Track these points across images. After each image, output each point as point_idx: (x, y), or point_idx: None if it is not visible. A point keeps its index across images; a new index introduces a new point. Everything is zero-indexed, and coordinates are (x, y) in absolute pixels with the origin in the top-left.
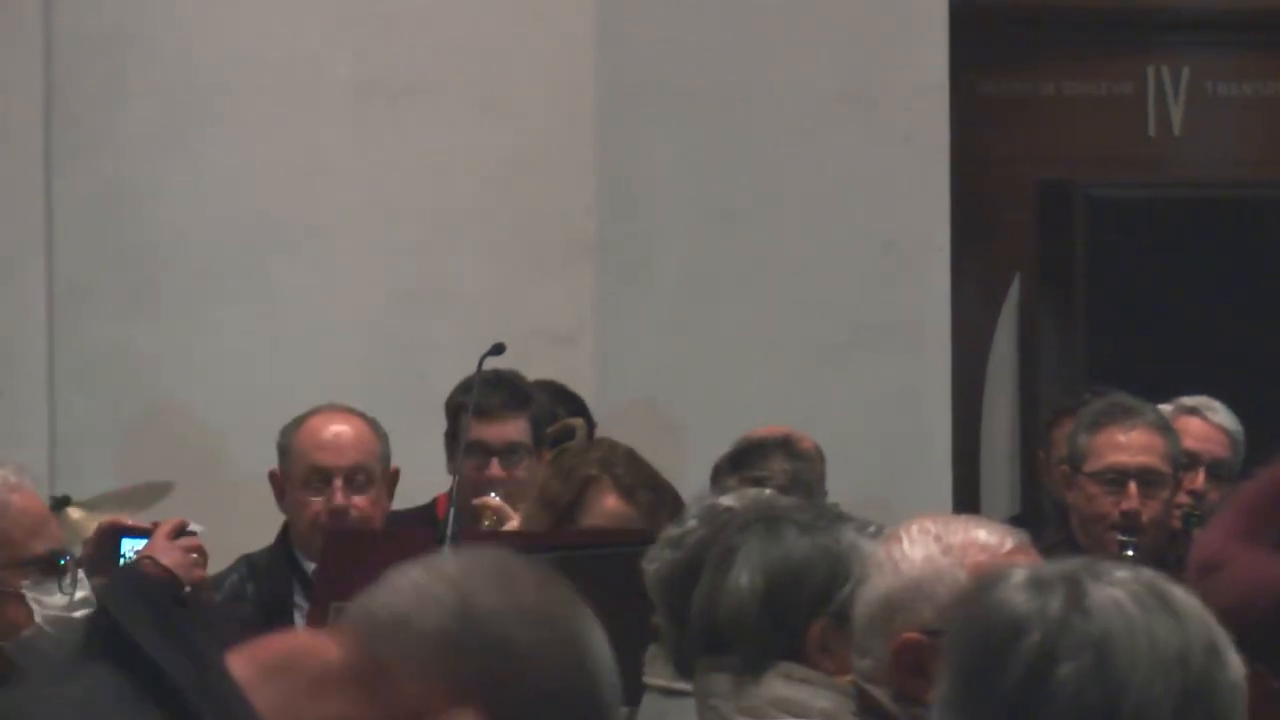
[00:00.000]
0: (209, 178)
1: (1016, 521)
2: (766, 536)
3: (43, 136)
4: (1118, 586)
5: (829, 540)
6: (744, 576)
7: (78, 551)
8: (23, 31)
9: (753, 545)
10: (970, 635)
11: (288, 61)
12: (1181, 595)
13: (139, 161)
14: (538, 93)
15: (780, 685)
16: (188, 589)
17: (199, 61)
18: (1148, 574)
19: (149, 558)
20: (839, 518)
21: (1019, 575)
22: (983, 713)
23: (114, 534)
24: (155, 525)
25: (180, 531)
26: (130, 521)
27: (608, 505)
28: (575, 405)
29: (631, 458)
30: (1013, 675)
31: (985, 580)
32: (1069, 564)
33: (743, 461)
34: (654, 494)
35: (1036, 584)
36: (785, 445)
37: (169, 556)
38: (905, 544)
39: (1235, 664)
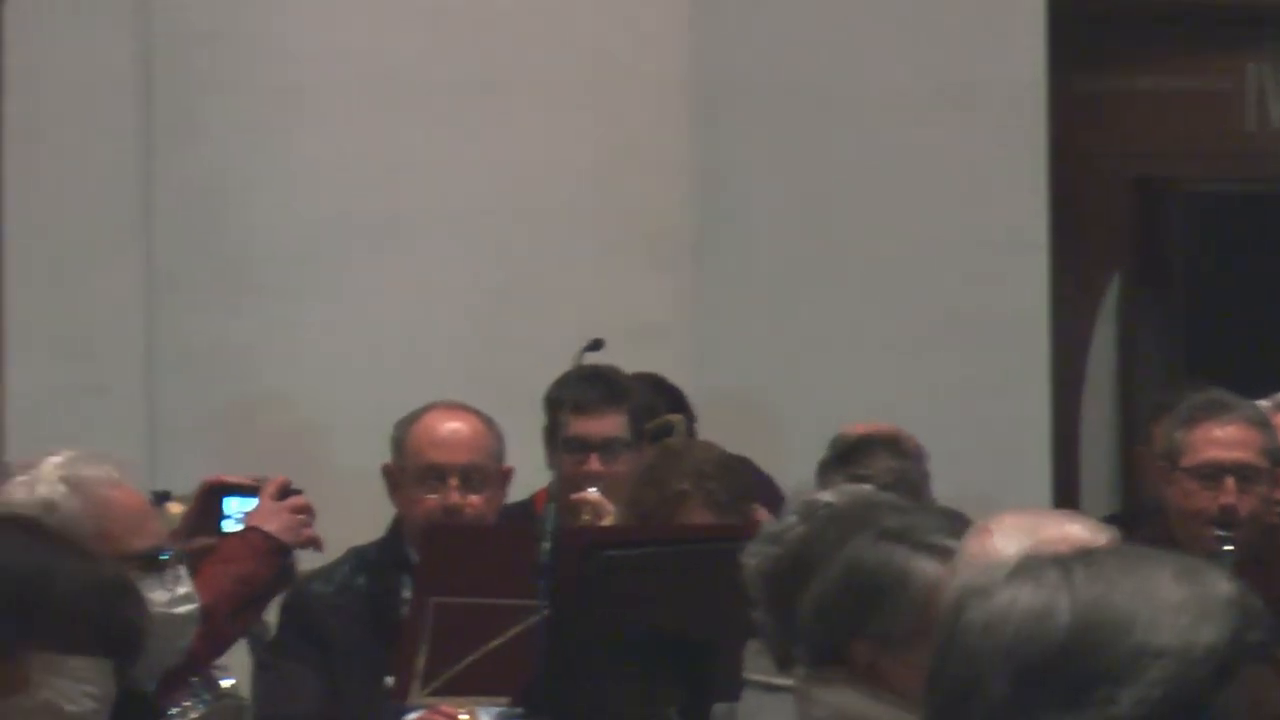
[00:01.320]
0: (306, 172)
1: (1114, 519)
2: (851, 540)
3: (141, 130)
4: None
5: (898, 558)
6: (817, 582)
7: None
8: (122, 27)
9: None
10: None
11: (383, 57)
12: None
13: (236, 155)
14: (632, 89)
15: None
16: (295, 552)
17: (295, 57)
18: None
19: (254, 529)
20: (942, 516)
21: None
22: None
23: (217, 491)
24: (258, 482)
25: (285, 491)
26: (231, 479)
27: (700, 521)
28: (674, 398)
29: (725, 466)
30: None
31: (970, 591)
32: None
33: (848, 459)
34: (747, 504)
35: (1029, 574)
36: (891, 444)
37: (275, 521)
38: (997, 538)
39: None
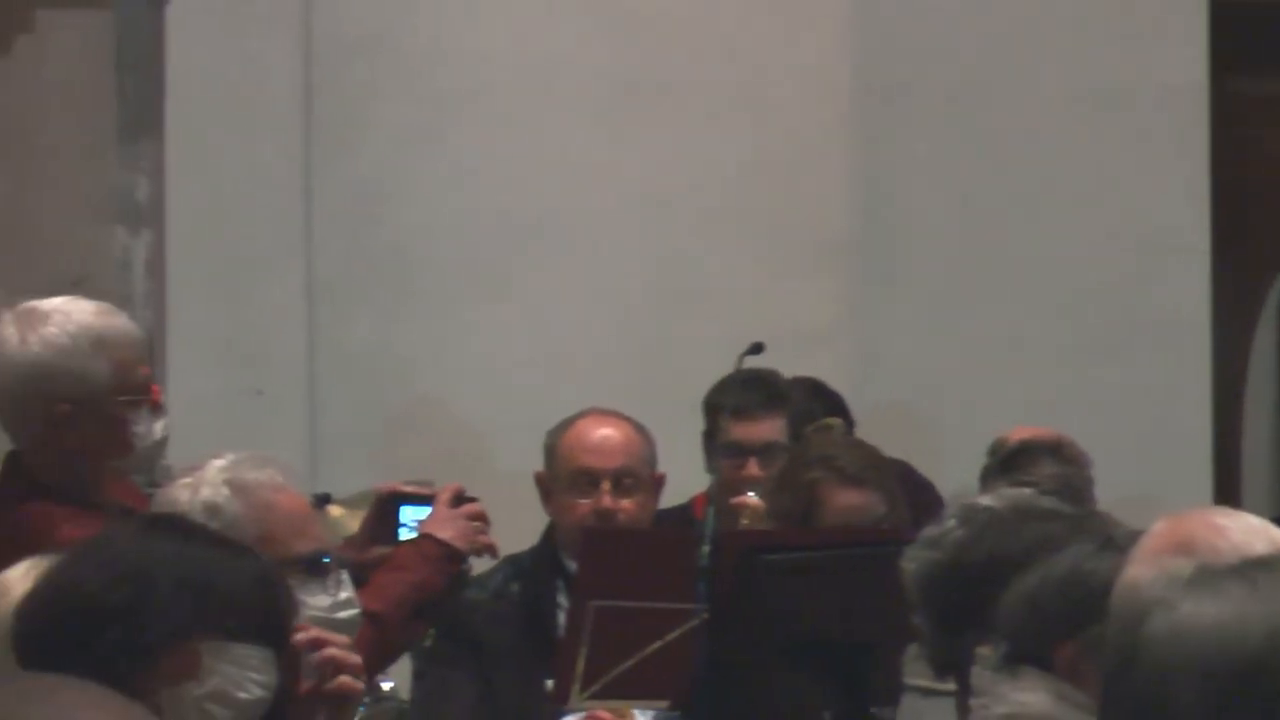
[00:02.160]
0: (466, 177)
1: (1276, 523)
2: (1073, 546)
3: (302, 137)
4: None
5: (1109, 567)
6: (1032, 578)
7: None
8: (282, 34)
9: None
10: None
11: (544, 61)
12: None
13: (396, 161)
14: (793, 92)
15: (1021, 692)
16: (469, 560)
17: (455, 62)
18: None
19: (428, 536)
20: (1099, 520)
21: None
22: None
23: (393, 500)
24: (434, 491)
25: (460, 498)
26: (408, 488)
27: (840, 501)
28: (832, 402)
29: (849, 443)
30: None
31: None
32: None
33: (1011, 464)
34: (882, 470)
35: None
36: (1055, 450)
37: (450, 528)
38: (1237, 535)
39: None
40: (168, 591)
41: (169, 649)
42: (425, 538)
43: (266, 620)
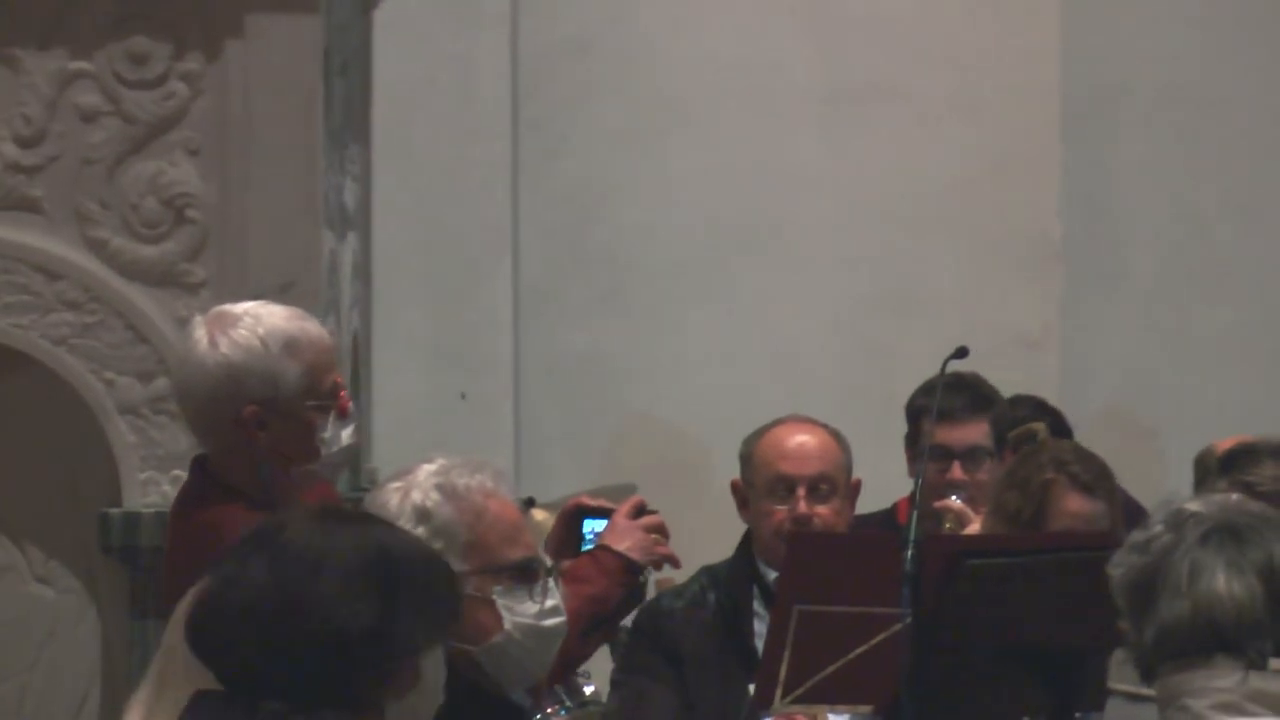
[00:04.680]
0: (674, 182)
1: None
2: (1240, 542)
3: (510, 143)
4: None
5: None
6: (1235, 583)
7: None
8: (490, 38)
9: (1229, 551)
10: None
11: (753, 66)
12: None
13: (604, 166)
14: (1004, 97)
15: (1264, 680)
16: (648, 571)
17: (664, 67)
18: None
19: (604, 547)
20: None
21: None
22: None
23: (578, 514)
24: (616, 506)
25: (640, 510)
26: (592, 502)
27: (1071, 506)
28: (1055, 420)
29: (1080, 452)
30: None
31: None
32: None
33: (1233, 465)
34: (1110, 483)
35: None
36: (1278, 452)
37: (627, 539)
38: None
39: None
40: (407, 612)
41: (404, 667)
42: (602, 549)
43: (454, 616)
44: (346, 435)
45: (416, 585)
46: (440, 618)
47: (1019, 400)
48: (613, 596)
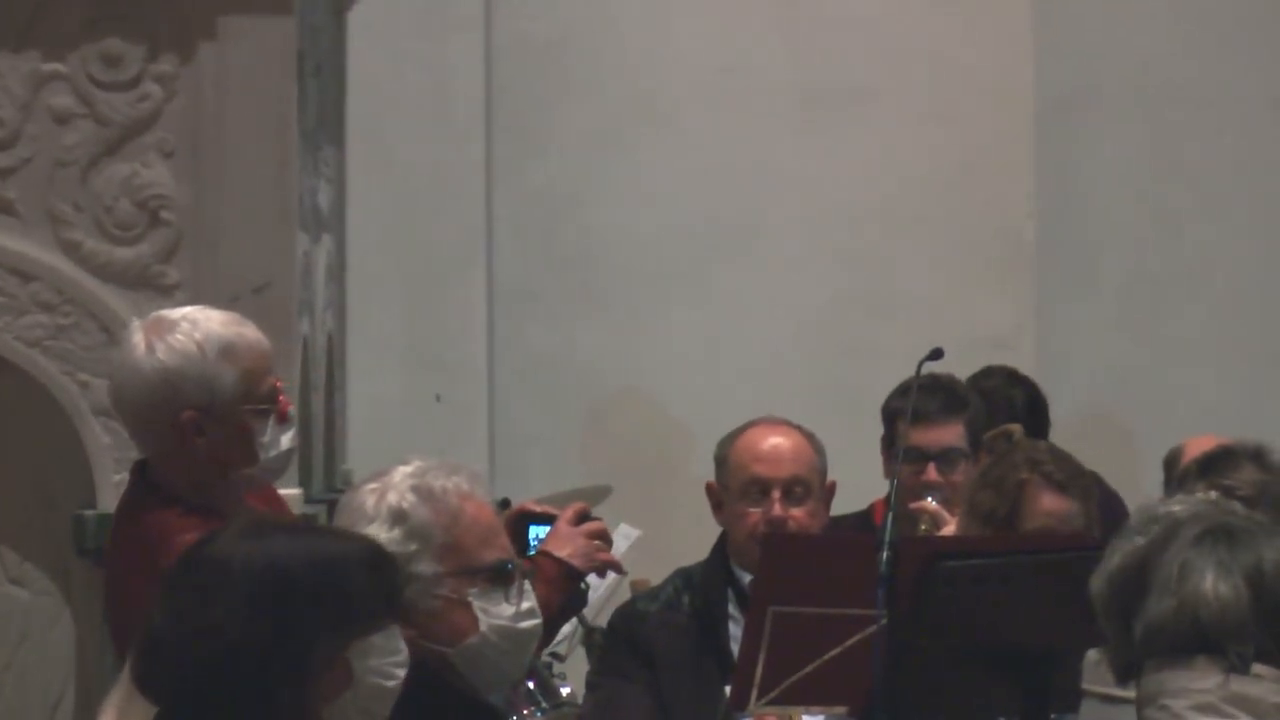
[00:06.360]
0: (648, 184)
1: None
2: (1232, 544)
3: (484, 144)
4: None
5: None
6: (1222, 584)
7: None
8: (464, 42)
9: (1220, 553)
10: None
11: (727, 67)
12: None
13: (579, 168)
14: (977, 99)
15: (1244, 684)
16: (588, 579)
17: (638, 68)
18: None
19: (544, 553)
20: None
21: None
22: None
23: (521, 520)
24: (559, 511)
25: (583, 517)
26: (537, 508)
27: (1046, 505)
28: (1028, 390)
29: (1054, 451)
30: None
31: None
32: None
33: (1211, 468)
34: (1085, 481)
35: None
36: (1258, 456)
37: (569, 546)
38: None
39: None
40: (310, 615)
41: (325, 671)
42: (542, 555)
43: (389, 602)
44: (287, 439)
45: (315, 591)
46: (356, 616)
47: (991, 371)
48: (552, 603)
